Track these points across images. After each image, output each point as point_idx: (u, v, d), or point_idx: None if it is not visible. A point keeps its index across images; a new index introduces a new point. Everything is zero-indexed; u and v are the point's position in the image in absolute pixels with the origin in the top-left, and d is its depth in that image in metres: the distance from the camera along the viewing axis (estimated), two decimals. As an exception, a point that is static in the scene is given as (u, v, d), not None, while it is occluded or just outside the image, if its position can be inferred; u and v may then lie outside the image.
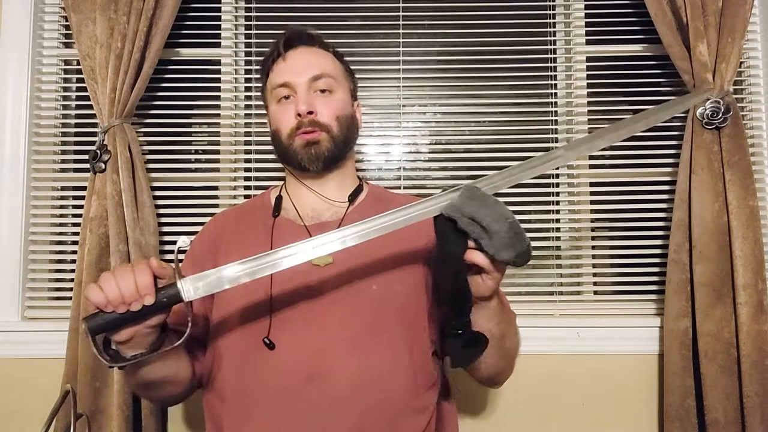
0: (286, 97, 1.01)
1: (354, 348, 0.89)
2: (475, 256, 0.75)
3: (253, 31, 1.59)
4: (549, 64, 1.57)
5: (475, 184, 0.77)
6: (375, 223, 0.79)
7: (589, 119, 1.53)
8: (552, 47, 1.59)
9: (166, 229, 1.50)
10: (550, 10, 1.59)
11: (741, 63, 1.49)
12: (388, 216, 0.79)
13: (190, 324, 0.79)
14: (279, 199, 1.06)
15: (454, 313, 0.78)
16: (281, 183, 1.11)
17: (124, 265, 0.77)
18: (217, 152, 1.57)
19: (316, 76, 1.00)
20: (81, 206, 1.43)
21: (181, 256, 1.00)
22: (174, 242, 1.47)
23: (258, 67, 1.56)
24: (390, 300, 0.93)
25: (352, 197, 1.04)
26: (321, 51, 1.05)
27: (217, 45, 1.57)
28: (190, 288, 0.77)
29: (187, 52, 1.58)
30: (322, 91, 1.01)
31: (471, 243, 0.75)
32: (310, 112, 0.99)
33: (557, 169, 1.54)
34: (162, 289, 0.75)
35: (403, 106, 1.57)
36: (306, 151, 0.99)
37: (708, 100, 1.34)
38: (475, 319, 0.85)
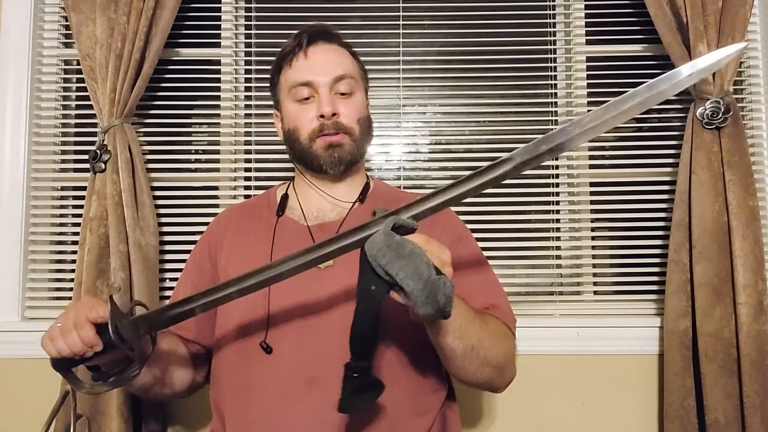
0: (306, 96, 0.99)
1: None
2: (397, 297, 0.70)
3: (253, 31, 1.59)
4: (549, 64, 1.57)
5: (399, 215, 0.71)
6: (300, 259, 0.74)
7: (589, 119, 1.53)
8: (552, 47, 1.59)
9: (166, 229, 1.50)
10: (550, 10, 1.59)
11: (741, 63, 1.49)
12: (315, 250, 0.74)
13: (152, 349, 0.84)
14: (285, 197, 1.05)
15: (356, 354, 0.72)
16: (288, 181, 1.11)
17: (67, 315, 0.79)
18: (217, 152, 1.57)
19: (339, 77, 0.98)
20: (81, 206, 1.43)
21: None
22: (174, 242, 1.49)
23: (258, 67, 1.57)
24: (392, 302, 0.93)
25: (362, 197, 1.03)
26: (341, 49, 1.03)
27: (217, 45, 1.57)
28: (125, 331, 0.78)
29: (187, 52, 1.58)
30: (343, 93, 0.99)
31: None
32: (334, 114, 0.97)
33: (557, 168, 1.54)
34: (107, 333, 0.78)
35: (403, 106, 1.57)
36: (329, 154, 0.97)
37: (708, 100, 1.34)
38: (431, 335, 0.82)
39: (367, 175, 1.10)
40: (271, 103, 1.10)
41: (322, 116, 0.97)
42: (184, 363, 1.00)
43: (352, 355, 0.73)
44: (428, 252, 0.69)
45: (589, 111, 1.57)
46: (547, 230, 1.54)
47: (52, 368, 0.81)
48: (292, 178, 1.10)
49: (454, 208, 1.14)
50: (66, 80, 1.57)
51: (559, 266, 1.53)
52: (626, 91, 0.70)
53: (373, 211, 0.73)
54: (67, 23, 1.48)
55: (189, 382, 1.01)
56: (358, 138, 0.99)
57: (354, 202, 1.02)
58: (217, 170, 1.56)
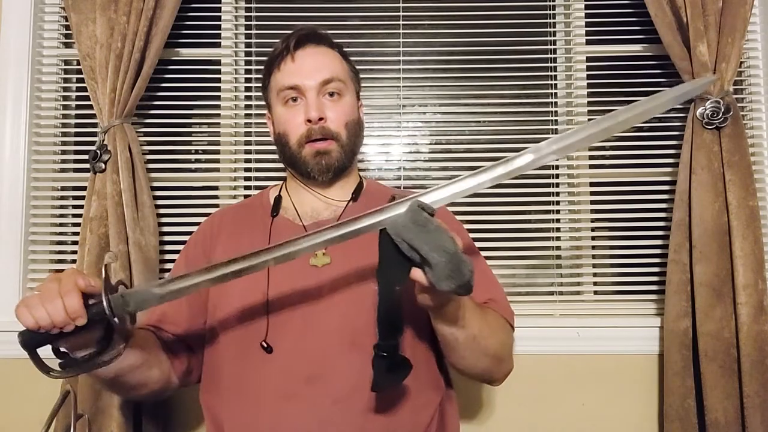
0: (294, 99, 0.99)
1: (353, 348, 0.89)
2: (418, 276, 0.71)
3: (253, 31, 1.59)
4: (549, 64, 1.57)
5: (421, 199, 0.73)
6: (322, 237, 0.75)
7: (589, 119, 1.53)
8: (552, 47, 1.59)
9: (166, 229, 1.50)
10: (550, 10, 1.59)
11: (741, 63, 1.49)
12: (333, 229, 0.75)
13: (133, 328, 0.81)
14: (278, 198, 1.05)
15: (383, 333, 0.76)
16: (281, 182, 1.11)
17: (52, 283, 0.72)
18: (217, 152, 1.57)
19: (327, 80, 0.98)
20: (81, 206, 1.43)
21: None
22: (174, 242, 1.49)
23: (259, 67, 1.57)
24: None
25: (356, 195, 1.04)
26: (329, 51, 1.03)
27: (217, 45, 1.57)
28: (116, 306, 0.74)
29: (187, 52, 1.58)
30: (331, 94, 0.99)
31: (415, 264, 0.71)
32: (321, 119, 0.97)
33: (557, 168, 1.54)
34: (94, 305, 0.73)
35: (403, 106, 1.57)
36: (316, 161, 0.98)
37: (708, 100, 1.34)
38: (434, 324, 0.84)
39: (359, 175, 1.10)
40: (270, 103, 1.10)
41: (309, 121, 0.97)
42: (158, 359, 0.95)
43: (380, 335, 0.76)
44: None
45: (589, 111, 1.57)
46: (547, 230, 1.54)
47: (20, 344, 0.72)
48: (284, 179, 1.10)
49: (450, 207, 1.14)
50: (66, 80, 1.57)
51: (559, 266, 1.53)
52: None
53: (392, 196, 0.75)
54: (67, 23, 1.48)
55: (164, 378, 0.96)
56: (345, 143, 1.00)
57: (348, 201, 1.03)
58: (217, 170, 1.56)
